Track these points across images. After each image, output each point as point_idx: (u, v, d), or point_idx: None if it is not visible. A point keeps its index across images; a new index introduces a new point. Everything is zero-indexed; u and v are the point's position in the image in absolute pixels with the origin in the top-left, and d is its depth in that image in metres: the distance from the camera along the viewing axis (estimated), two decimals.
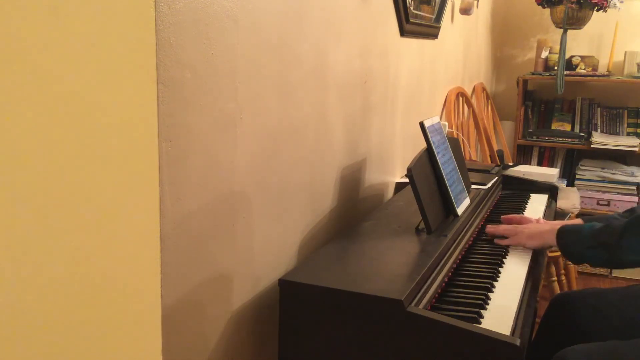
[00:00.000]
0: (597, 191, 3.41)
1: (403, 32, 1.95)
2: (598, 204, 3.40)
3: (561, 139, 3.49)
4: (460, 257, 1.39)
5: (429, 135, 1.50)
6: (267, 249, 1.26)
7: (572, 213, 2.45)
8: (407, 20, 1.95)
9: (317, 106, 1.40)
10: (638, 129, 3.49)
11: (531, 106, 3.70)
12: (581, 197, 3.07)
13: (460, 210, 1.54)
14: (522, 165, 2.77)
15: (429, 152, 1.50)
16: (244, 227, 1.16)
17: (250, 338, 1.23)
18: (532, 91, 3.75)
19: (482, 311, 1.12)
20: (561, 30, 3.25)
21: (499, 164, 2.70)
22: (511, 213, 1.71)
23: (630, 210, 1.50)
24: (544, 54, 3.56)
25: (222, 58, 1.02)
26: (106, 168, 0.55)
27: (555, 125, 3.61)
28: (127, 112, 0.56)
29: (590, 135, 3.46)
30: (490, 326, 1.03)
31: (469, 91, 3.12)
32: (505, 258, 1.42)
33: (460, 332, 0.99)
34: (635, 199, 3.31)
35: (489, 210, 1.80)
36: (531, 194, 2.05)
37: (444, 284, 1.24)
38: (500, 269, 1.34)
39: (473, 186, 1.86)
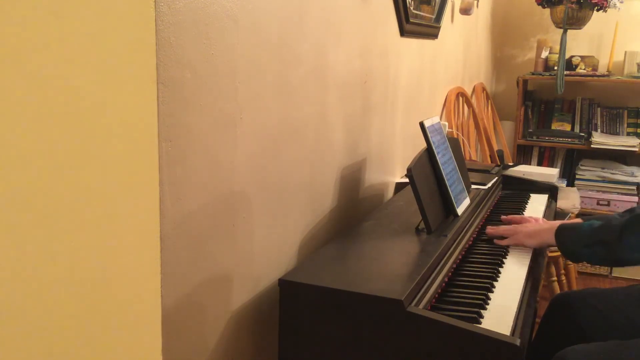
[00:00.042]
0: (597, 191, 3.41)
1: (403, 32, 1.95)
2: (598, 204, 3.40)
3: (561, 139, 3.49)
4: (460, 257, 1.39)
5: (429, 135, 1.50)
6: (267, 249, 1.25)
7: (572, 213, 2.45)
8: (407, 20, 1.95)
9: (317, 106, 1.40)
10: (638, 129, 3.49)
11: (531, 106, 3.70)
12: (581, 197, 3.07)
13: (460, 210, 1.54)
14: (522, 165, 2.77)
15: (429, 152, 1.50)
16: (244, 227, 1.16)
17: (250, 338, 1.23)
18: (532, 91, 3.75)
19: (482, 311, 1.12)
20: (561, 30, 3.25)
21: (499, 164, 2.70)
22: (511, 213, 1.71)
23: (630, 210, 1.49)
24: (544, 54, 3.56)
25: (222, 58, 1.02)
26: (106, 168, 0.55)
27: (555, 125, 3.61)
28: (127, 112, 0.56)
29: (590, 135, 3.46)
30: (490, 326, 1.03)
31: (469, 91, 3.12)
32: (505, 258, 1.42)
33: (460, 332, 0.99)
34: (635, 199, 3.31)
35: (489, 210, 1.80)
36: (531, 194, 2.05)
37: (444, 284, 1.24)
38: (500, 269, 1.34)
39: (473, 186, 1.86)
